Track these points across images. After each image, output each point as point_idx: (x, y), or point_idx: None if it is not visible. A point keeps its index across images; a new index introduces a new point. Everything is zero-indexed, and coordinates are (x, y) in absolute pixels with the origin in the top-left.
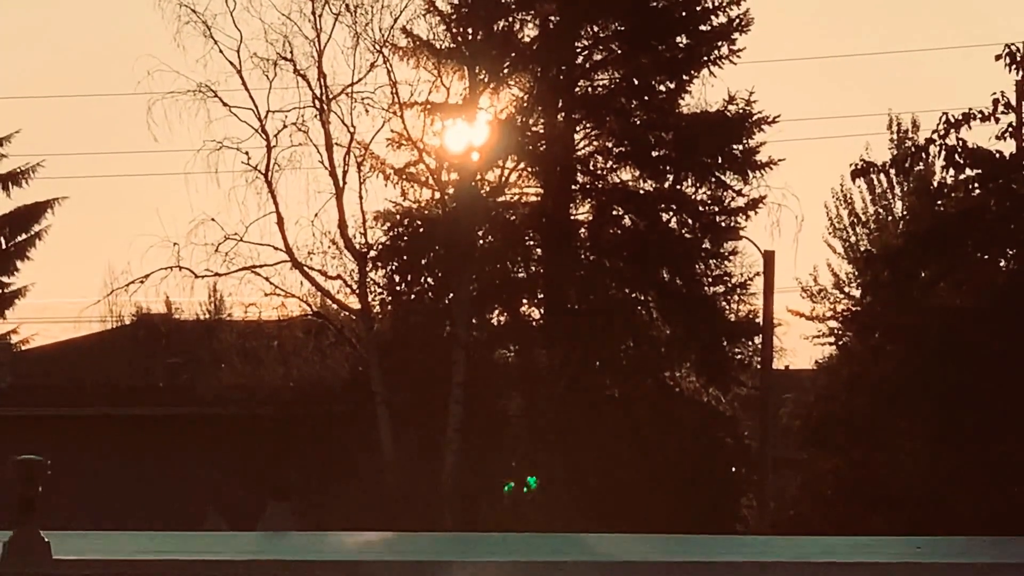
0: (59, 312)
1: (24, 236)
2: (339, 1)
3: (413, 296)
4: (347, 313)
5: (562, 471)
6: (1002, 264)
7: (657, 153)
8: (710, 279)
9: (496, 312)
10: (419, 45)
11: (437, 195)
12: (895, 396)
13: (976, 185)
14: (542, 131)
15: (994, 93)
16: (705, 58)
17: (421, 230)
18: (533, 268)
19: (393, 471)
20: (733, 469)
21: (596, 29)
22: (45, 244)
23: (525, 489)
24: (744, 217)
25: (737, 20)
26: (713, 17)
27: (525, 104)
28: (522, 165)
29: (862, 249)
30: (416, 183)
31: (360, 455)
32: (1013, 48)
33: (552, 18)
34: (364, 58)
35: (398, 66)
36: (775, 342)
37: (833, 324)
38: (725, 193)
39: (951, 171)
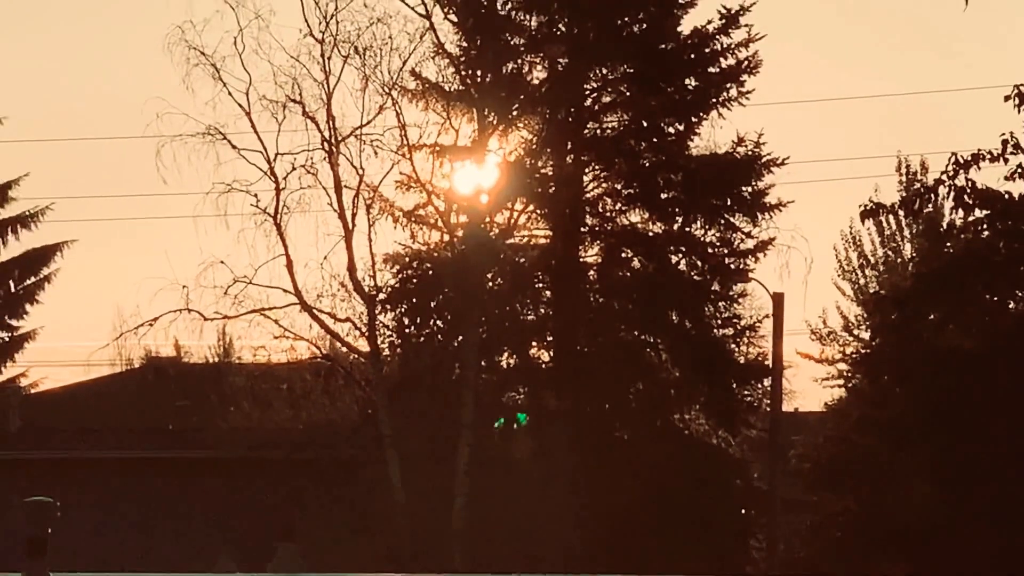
0: (68, 355)
1: (33, 279)
2: (348, 44)
3: (422, 338)
4: (356, 356)
5: (571, 513)
6: (1011, 306)
7: (666, 195)
8: (719, 321)
9: (505, 354)
10: (428, 87)
11: (446, 237)
12: (904, 437)
13: (985, 226)
14: (551, 173)
15: (1003, 134)
16: (714, 100)
17: (430, 272)
18: (542, 310)
19: (402, 513)
20: (743, 511)
21: (605, 71)
22: (54, 287)
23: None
24: (753, 259)
25: (746, 62)
26: (722, 59)
27: (534, 146)
28: (531, 207)
29: (871, 291)
30: (425, 225)
31: (369, 497)
32: (1022, 89)
33: (561, 60)
34: (373, 100)
35: (407, 108)
36: (784, 384)
37: (842, 366)
38: (734, 235)
39: (960, 212)
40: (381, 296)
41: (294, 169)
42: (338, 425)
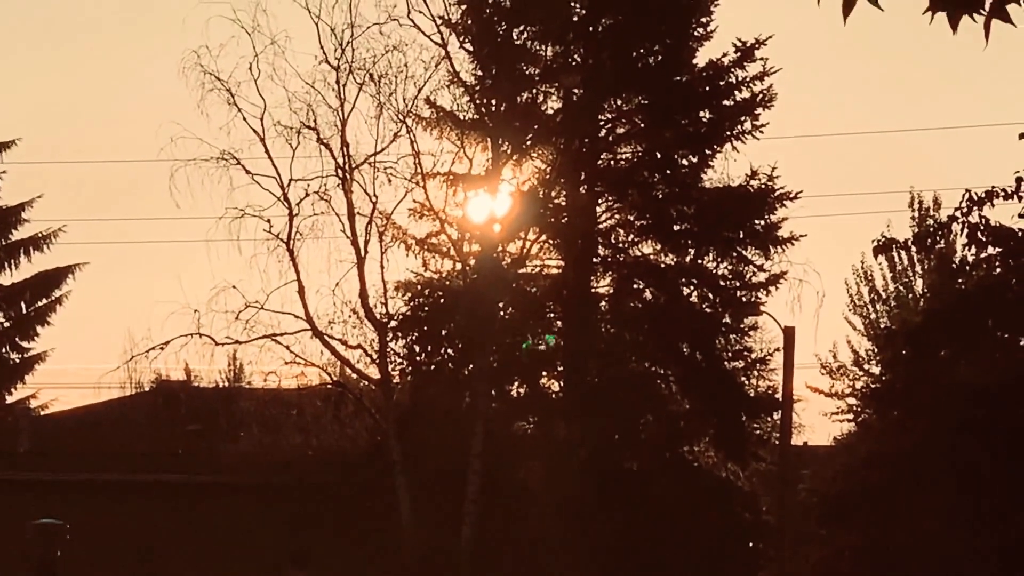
0: (79, 378)
1: (45, 301)
2: (363, 71)
3: (433, 366)
4: (367, 382)
5: (580, 544)
6: (1023, 343)
7: (679, 227)
8: (730, 354)
9: (515, 384)
10: (442, 116)
11: (458, 266)
12: (914, 473)
13: (998, 263)
14: (564, 203)
15: (1017, 171)
16: (728, 133)
17: (442, 301)
18: (554, 340)
19: (411, 541)
20: (751, 544)
21: (619, 103)
22: (66, 309)
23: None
24: (765, 292)
25: (760, 95)
26: (736, 92)
27: (547, 176)
28: (544, 237)
29: (882, 326)
30: (437, 254)
31: (378, 525)
32: None
33: (576, 91)
34: (387, 128)
35: (421, 136)
36: (794, 418)
37: (852, 401)
38: (746, 268)
39: (973, 248)
40: (392, 323)
41: (307, 195)
42: (348, 452)
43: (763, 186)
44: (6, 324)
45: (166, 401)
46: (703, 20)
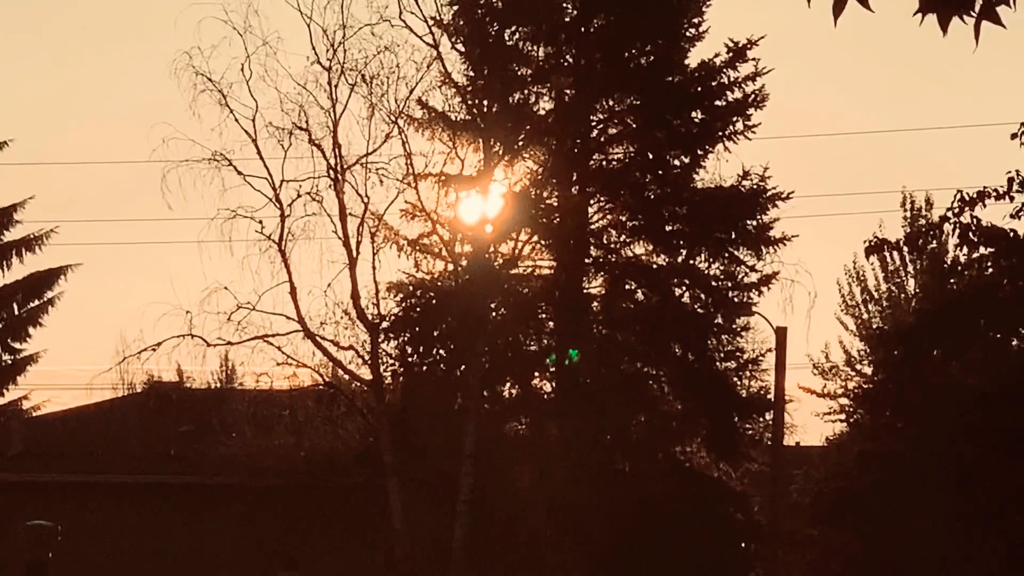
0: (71, 379)
1: (37, 303)
2: (355, 72)
3: (425, 367)
4: (359, 384)
5: (572, 545)
6: (1014, 343)
7: (671, 228)
8: (722, 354)
9: (508, 384)
10: (434, 117)
11: (450, 267)
12: (906, 474)
13: (989, 263)
14: (556, 204)
15: (1009, 171)
16: (720, 133)
17: (434, 301)
18: (545, 341)
19: (403, 542)
20: (743, 545)
21: (611, 103)
22: (58, 311)
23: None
24: (757, 293)
25: (752, 96)
26: (728, 93)
27: (539, 177)
28: (536, 238)
29: (874, 326)
30: (429, 254)
31: (370, 526)
32: None
33: (567, 92)
34: (379, 129)
35: (413, 137)
36: (786, 418)
37: (844, 401)
38: (738, 268)
39: (965, 249)
40: (384, 324)
41: (299, 196)
42: (340, 453)
43: (755, 186)
44: None
45: (158, 402)
46: (695, 21)
